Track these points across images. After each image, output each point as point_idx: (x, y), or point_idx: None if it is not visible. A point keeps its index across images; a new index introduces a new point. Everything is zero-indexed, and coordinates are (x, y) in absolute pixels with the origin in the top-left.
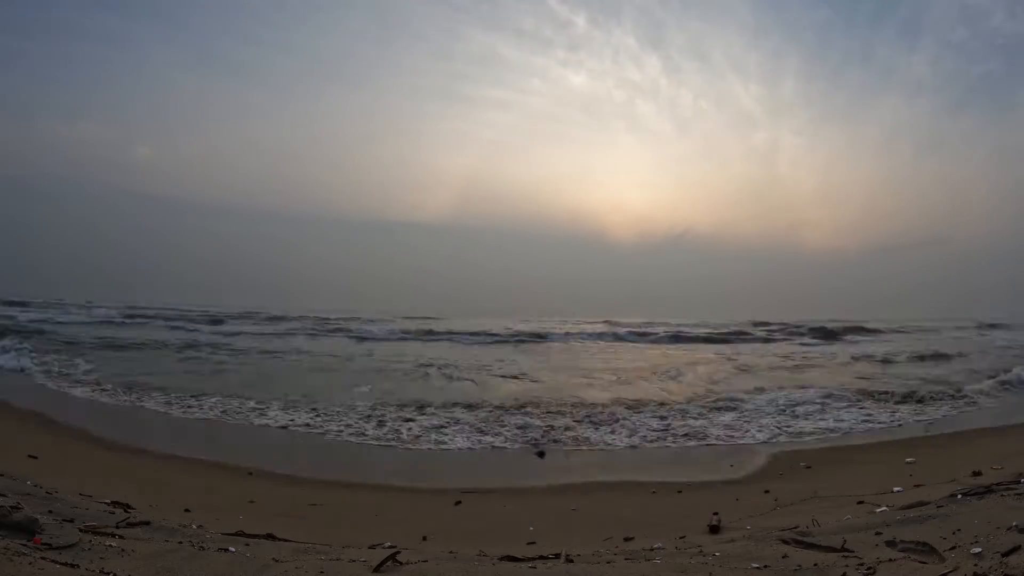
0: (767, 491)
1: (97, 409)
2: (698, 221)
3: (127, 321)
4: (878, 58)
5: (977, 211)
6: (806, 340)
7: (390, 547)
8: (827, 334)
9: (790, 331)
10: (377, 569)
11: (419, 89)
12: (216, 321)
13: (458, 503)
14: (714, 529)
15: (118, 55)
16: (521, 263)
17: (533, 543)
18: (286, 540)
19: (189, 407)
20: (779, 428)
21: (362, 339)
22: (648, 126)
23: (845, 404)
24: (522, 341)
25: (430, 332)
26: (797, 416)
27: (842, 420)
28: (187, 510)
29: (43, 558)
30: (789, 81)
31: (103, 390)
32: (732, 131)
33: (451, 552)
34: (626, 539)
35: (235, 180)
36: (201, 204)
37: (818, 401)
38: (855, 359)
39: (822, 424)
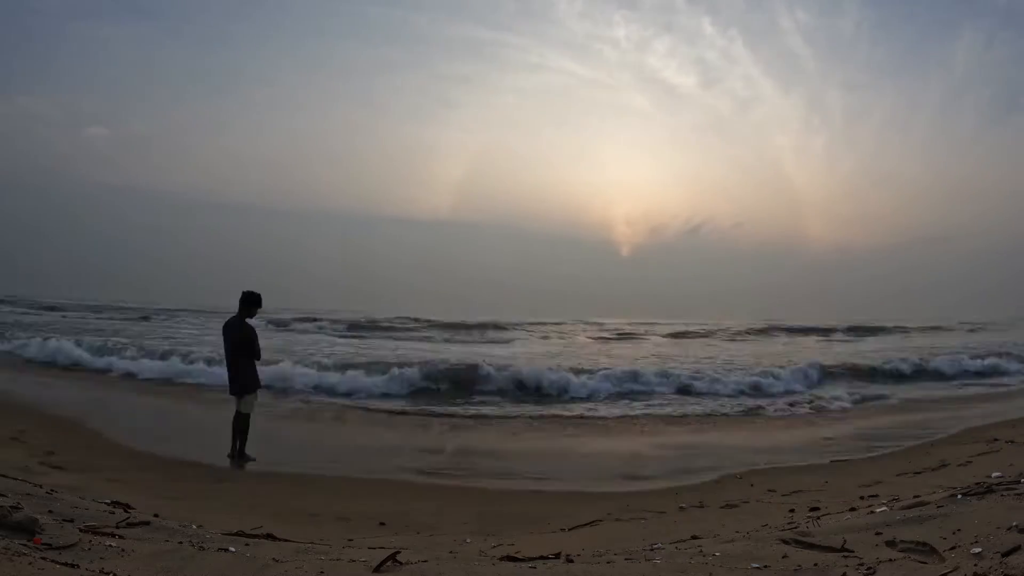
0: None
1: None
2: (718, 212)
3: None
4: None
5: None
6: None
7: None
8: None
9: None
10: (377, 569)
11: (369, 32)
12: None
13: None
14: None
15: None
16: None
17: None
18: (286, 540)
19: None
20: None
21: None
22: (662, 78)
23: None
24: None
25: None
26: None
27: None
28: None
29: (43, 558)
30: (850, 3)
31: None
32: (767, 82)
33: (451, 552)
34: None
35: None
36: (166, 193)
37: None
38: None
39: None
